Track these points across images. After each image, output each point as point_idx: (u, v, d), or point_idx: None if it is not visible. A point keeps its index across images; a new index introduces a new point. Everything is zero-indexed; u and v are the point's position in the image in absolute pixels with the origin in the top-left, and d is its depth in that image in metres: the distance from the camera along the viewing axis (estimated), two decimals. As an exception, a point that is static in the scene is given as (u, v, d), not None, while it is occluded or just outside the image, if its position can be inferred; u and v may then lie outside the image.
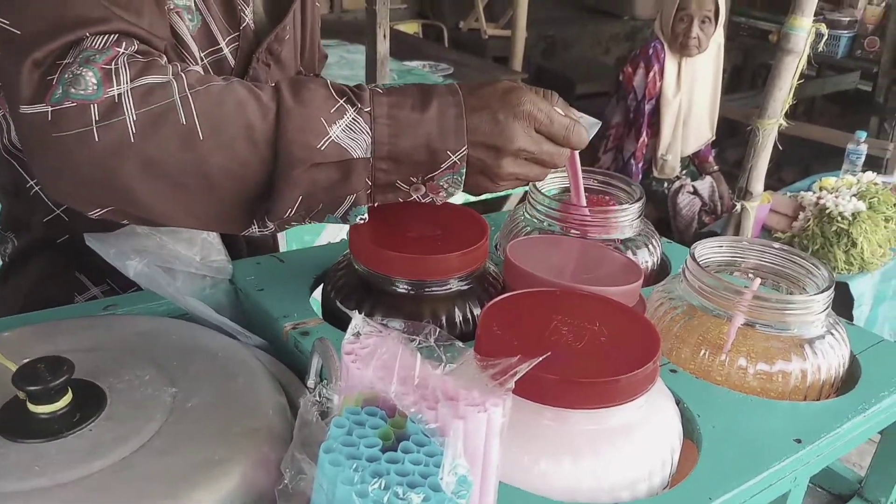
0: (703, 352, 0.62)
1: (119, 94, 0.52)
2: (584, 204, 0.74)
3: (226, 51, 0.72)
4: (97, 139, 0.52)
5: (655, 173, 2.74)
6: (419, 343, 0.46)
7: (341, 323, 0.64)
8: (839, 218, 2.06)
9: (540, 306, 0.56)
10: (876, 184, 2.34)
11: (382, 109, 0.57)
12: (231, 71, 0.73)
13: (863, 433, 0.60)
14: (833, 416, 0.58)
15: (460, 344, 0.46)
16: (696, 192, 2.70)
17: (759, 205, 2.09)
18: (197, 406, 0.50)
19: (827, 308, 0.62)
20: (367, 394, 0.44)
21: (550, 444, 0.49)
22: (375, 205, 0.60)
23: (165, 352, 0.56)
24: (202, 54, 0.70)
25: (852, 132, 2.77)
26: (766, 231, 2.28)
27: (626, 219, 0.76)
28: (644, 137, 2.66)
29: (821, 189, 2.37)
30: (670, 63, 2.62)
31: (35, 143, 0.53)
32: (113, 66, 0.53)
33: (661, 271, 0.81)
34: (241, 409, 0.51)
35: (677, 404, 0.58)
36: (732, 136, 3.66)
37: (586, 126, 0.64)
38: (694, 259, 0.64)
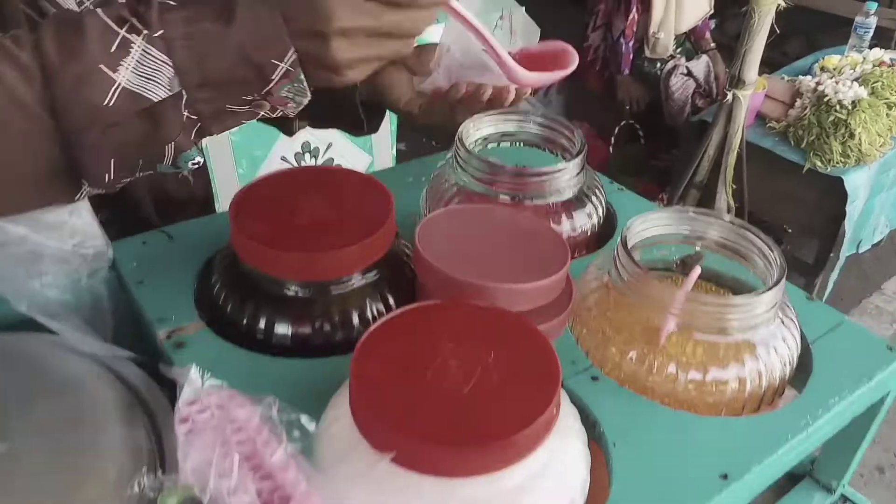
0: (630, 354, 0.55)
1: None
2: (506, 58, 0.65)
3: None
4: None
5: (647, 53, 2.56)
6: (261, 415, 0.39)
7: (226, 329, 0.56)
8: (838, 107, 1.92)
9: (429, 330, 0.48)
10: (882, 63, 2.18)
11: (177, 29, 0.46)
12: None
13: (805, 449, 0.53)
14: (769, 438, 0.51)
15: (306, 420, 0.39)
16: (690, 74, 2.53)
17: (752, 92, 1.95)
18: (27, 469, 0.44)
19: (776, 305, 0.54)
20: (184, 492, 0.37)
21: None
22: (208, 138, 0.50)
23: None
24: None
25: (862, 1, 2.55)
26: (761, 118, 2.14)
27: (565, 178, 0.67)
28: (634, 14, 2.46)
29: (822, 70, 2.21)
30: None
31: None
32: None
33: (606, 225, 0.72)
34: (80, 473, 0.44)
35: (593, 426, 0.52)
36: (735, 2, 3.40)
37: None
38: (624, 247, 0.55)
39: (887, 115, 1.97)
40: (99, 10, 0.47)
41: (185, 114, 0.47)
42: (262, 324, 0.55)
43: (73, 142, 0.45)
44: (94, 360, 0.53)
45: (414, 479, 0.41)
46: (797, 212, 2.12)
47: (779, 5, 1.78)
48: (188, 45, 0.45)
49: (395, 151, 2.09)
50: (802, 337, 0.60)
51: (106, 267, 0.63)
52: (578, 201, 0.69)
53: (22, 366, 0.51)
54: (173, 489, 0.37)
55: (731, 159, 1.98)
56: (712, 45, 2.65)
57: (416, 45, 0.73)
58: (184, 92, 0.46)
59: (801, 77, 2.16)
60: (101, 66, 0.44)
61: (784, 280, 0.53)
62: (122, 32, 0.45)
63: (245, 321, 0.55)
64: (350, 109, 0.80)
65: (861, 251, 2.25)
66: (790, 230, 2.48)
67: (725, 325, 0.53)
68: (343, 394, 0.46)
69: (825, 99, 1.95)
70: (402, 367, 0.45)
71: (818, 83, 2.03)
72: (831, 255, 2.07)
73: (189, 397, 0.40)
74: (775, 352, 0.54)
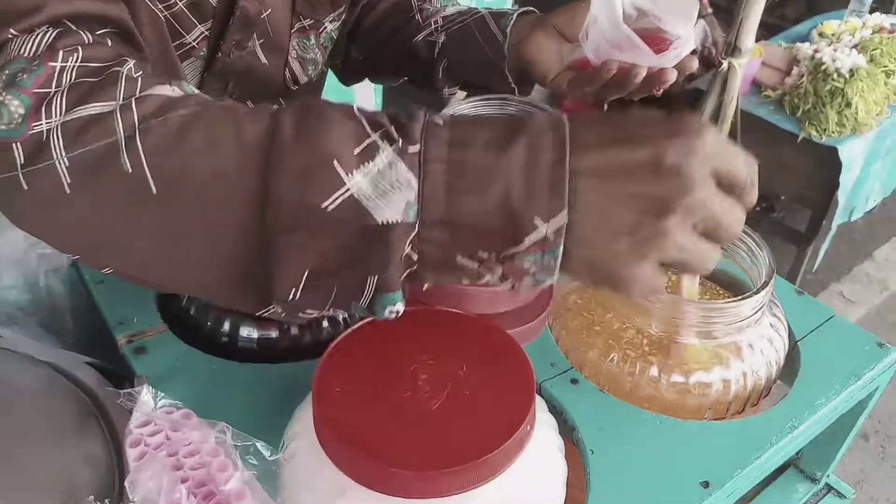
0: (612, 356, 0.53)
1: (48, 131, 0.38)
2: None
3: None
4: (25, 187, 0.38)
5: (642, 18, 2.50)
6: (217, 438, 0.37)
7: (189, 333, 0.54)
8: (835, 75, 1.88)
9: (398, 338, 0.45)
10: (882, 28, 2.13)
11: (440, 150, 0.37)
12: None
13: (789, 452, 0.52)
14: (752, 443, 0.49)
15: (262, 446, 0.37)
16: (685, 39, 2.47)
17: (749, 60, 1.90)
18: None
19: (762, 306, 0.52)
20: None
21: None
22: (424, 288, 0.41)
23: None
24: None
25: (864, -38, 2.49)
26: (756, 86, 2.10)
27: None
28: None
29: (820, 36, 2.16)
30: None
31: None
32: (46, 90, 0.39)
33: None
34: (28, 489, 0.42)
35: (572, 431, 0.50)
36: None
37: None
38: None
39: (885, 83, 1.92)
40: (356, 107, 0.39)
41: (408, 250, 0.38)
42: (226, 327, 0.53)
43: (270, 241, 0.38)
44: (48, 366, 0.50)
45: (383, 502, 0.39)
46: (791, 181, 2.09)
47: (776, -31, 1.73)
48: (445, 170, 0.37)
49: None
50: (790, 333, 0.58)
51: (66, 265, 0.60)
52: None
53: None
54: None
55: (725, 128, 1.94)
56: (709, 10, 2.59)
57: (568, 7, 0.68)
58: (418, 225, 0.37)
59: (798, 44, 2.11)
60: (336, 163, 0.36)
61: (772, 283, 0.51)
62: (374, 136, 0.37)
63: (209, 324, 0.53)
64: (500, 76, 0.73)
65: (853, 219, 2.23)
66: (783, 197, 2.45)
67: (711, 329, 0.51)
68: (307, 408, 0.44)
69: (822, 67, 1.91)
70: (368, 384, 0.43)
71: (816, 51, 1.98)
72: (823, 224, 2.05)
73: (141, 419, 0.38)
74: (761, 353, 0.52)
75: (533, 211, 0.36)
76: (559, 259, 0.38)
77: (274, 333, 0.53)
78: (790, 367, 0.57)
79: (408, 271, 0.39)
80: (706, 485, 0.46)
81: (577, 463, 0.48)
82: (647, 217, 0.36)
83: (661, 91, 0.66)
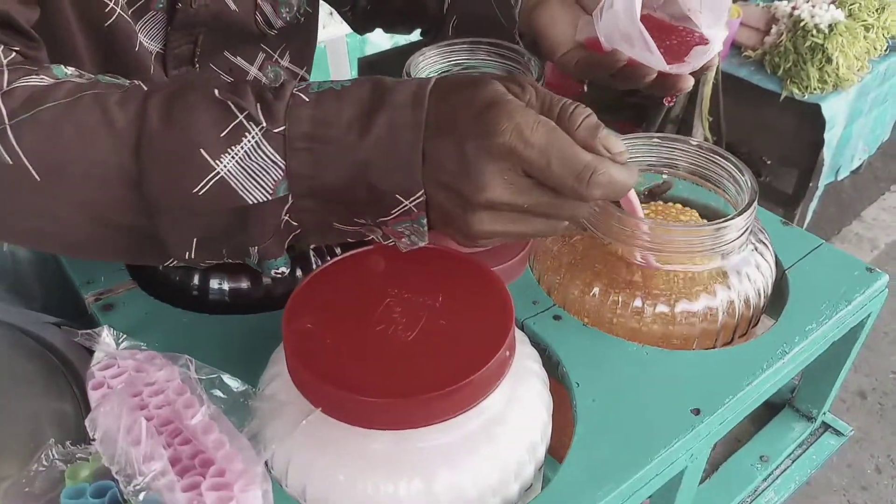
0: (593, 290, 0.51)
1: None
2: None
3: None
4: None
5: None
6: (182, 376, 0.35)
7: (159, 289, 0.52)
8: (814, 31, 1.86)
9: (371, 274, 0.44)
10: (859, -16, 2.12)
11: (302, 127, 0.39)
12: None
13: (781, 379, 0.50)
14: (742, 369, 0.48)
15: (229, 379, 0.35)
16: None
17: (727, 20, 1.89)
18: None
19: (747, 230, 0.50)
20: (95, 462, 0.33)
21: (393, 469, 0.39)
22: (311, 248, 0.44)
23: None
24: None
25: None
26: (736, 48, 2.09)
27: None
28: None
29: (798, -6, 2.15)
30: None
31: None
32: None
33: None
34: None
35: (556, 366, 0.49)
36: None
37: (630, 169, 0.40)
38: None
39: (865, 37, 1.91)
40: (221, 84, 0.41)
41: (286, 219, 0.41)
42: (195, 280, 0.51)
43: (156, 221, 0.40)
44: (12, 326, 0.49)
45: (360, 434, 0.38)
46: (775, 142, 2.08)
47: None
48: (308, 148, 0.39)
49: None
50: (778, 263, 0.56)
51: (30, 229, 0.58)
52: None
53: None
54: (84, 460, 0.33)
55: (707, 91, 1.93)
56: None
57: None
58: (290, 198, 0.40)
59: (776, 2, 2.09)
60: (202, 151, 0.38)
61: (755, 204, 0.50)
62: (240, 118, 0.39)
63: (178, 278, 0.51)
64: (511, 41, 0.68)
65: (840, 178, 2.22)
66: (769, 161, 2.44)
67: (695, 254, 0.49)
68: (281, 352, 0.43)
69: (801, 24, 1.89)
70: (340, 318, 0.41)
71: (794, 7, 1.96)
72: (810, 184, 2.04)
73: (103, 362, 0.36)
74: (748, 279, 0.51)
75: (393, 189, 0.39)
76: (426, 225, 0.41)
77: (245, 284, 0.51)
78: (779, 299, 0.55)
79: (292, 235, 0.42)
80: (697, 412, 0.45)
81: (563, 407, 0.46)
82: (455, 209, 0.39)
83: (672, 99, 0.61)
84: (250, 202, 0.39)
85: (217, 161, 0.38)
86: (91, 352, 0.48)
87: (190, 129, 0.38)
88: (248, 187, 0.39)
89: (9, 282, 0.56)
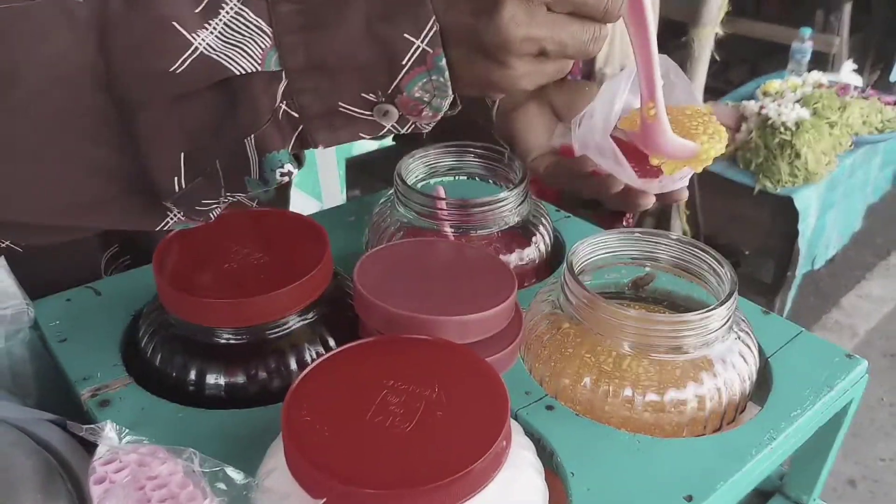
0: (584, 380, 0.52)
1: None
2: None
3: None
4: None
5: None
6: (185, 469, 0.36)
7: (155, 384, 0.53)
8: (782, 128, 1.96)
9: (368, 366, 0.45)
10: (821, 85, 2.24)
11: None
12: None
13: (771, 464, 0.51)
14: (733, 455, 0.49)
15: (233, 472, 0.35)
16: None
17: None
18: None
19: (729, 319, 0.52)
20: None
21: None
22: (319, 148, 0.38)
23: None
24: None
25: (800, 26, 2.63)
26: (709, 145, 2.18)
27: (508, 207, 0.65)
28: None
29: (764, 94, 2.26)
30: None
31: None
32: None
33: (555, 253, 0.70)
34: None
35: (550, 457, 0.49)
36: (675, 34, 3.49)
37: None
38: (570, 271, 0.53)
39: (830, 133, 2.01)
40: None
41: (283, 106, 0.36)
42: (192, 374, 0.51)
43: (132, 124, 0.35)
44: (7, 424, 0.48)
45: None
46: (752, 233, 2.15)
47: (717, 34, 1.83)
48: (294, 10, 0.34)
49: (345, 197, 2.07)
50: (760, 351, 0.58)
51: (27, 328, 0.59)
52: (524, 230, 0.67)
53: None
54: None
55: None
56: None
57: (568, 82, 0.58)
58: (285, 75, 0.35)
59: (744, 102, 2.21)
60: (176, 23, 0.33)
61: (736, 294, 0.52)
62: None
63: (174, 373, 0.52)
64: (489, 140, 0.68)
65: (816, 268, 2.28)
66: (747, 252, 2.51)
67: (680, 344, 0.51)
68: (279, 443, 0.43)
69: (769, 122, 1.99)
70: (338, 410, 0.42)
71: (762, 107, 2.07)
72: (788, 273, 2.09)
73: (105, 456, 0.37)
74: (733, 367, 0.52)
75: (401, 28, 0.34)
76: (446, 72, 0.36)
77: (241, 379, 0.52)
78: (763, 386, 0.57)
79: (296, 131, 0.37)
80: (690, 499, 0.46)
81: (559, 496, 0.47)
82: (478, 20, 0.34)
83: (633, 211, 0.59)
84: (236, 72, 0.34)
85: (193, 35, 0.34)
86: (88, 448, 0.48)
87: (161, 6, 0.34)
88: (232, 56, 0.34)
89: (5, 381, 0.56)
